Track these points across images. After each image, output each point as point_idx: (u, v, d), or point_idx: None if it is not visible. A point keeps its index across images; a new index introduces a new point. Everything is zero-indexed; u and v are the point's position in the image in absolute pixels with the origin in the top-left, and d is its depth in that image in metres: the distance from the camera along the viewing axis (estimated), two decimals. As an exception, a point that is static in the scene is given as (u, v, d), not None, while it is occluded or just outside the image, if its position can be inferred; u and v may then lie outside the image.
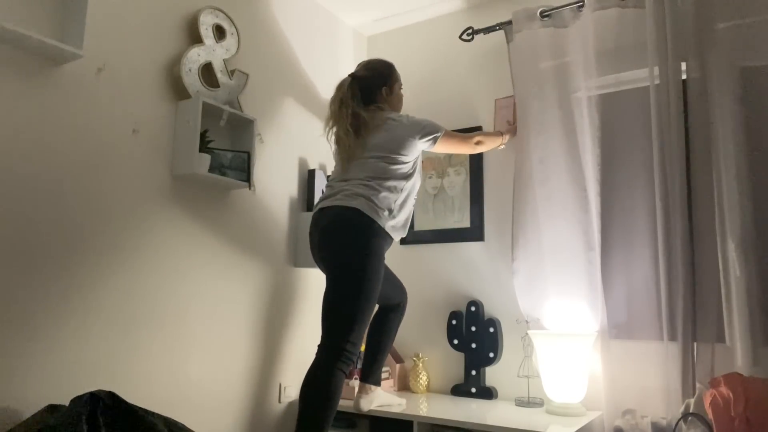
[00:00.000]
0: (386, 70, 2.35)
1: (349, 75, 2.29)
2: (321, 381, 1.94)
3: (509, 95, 2.65)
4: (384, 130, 2.18)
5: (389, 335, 2.39)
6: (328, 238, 2.11)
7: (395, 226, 2.16)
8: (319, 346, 2.02)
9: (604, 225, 2.36)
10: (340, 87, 2.26)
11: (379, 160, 2.15)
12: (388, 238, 2.15)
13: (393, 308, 2.39)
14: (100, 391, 1.54)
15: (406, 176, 2.19)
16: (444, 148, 2.34)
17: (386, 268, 2.36)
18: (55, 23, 1.80)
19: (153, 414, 1.58)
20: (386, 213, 2.10)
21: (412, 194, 2.25)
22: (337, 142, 2.24)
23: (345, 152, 2.21)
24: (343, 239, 2.08)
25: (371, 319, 2.37)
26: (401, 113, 2.31)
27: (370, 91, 2.27)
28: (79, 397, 1.53)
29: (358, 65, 2.36)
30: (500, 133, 2.53)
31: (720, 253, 2.06)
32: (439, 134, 2.26)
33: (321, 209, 2.16)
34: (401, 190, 2.16)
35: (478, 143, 2.44)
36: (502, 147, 2.55)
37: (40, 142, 1.75)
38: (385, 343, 2.38)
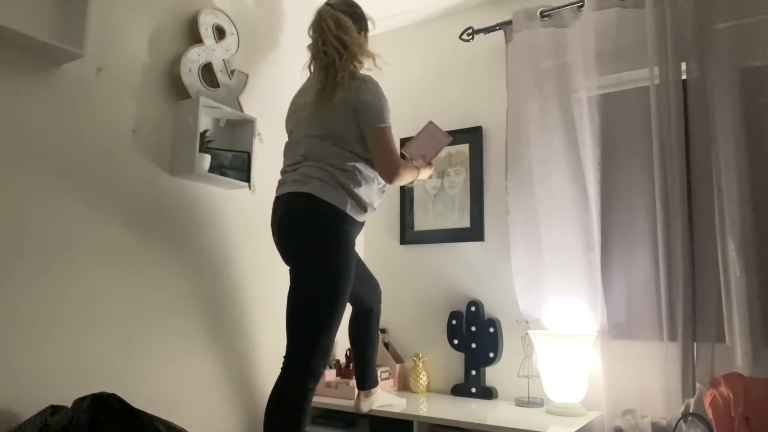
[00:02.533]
0: (360, 12, 2.08)
1: (326, 3, 2.03)
2: (290, 404, 1.76)
3: (446, 131, 2.22)
4: (342, 101, 1.90)
5: (372, 341, 2.23)
6: (284, 232, 1.89)
7: (358, 204, 1.91)
8: (285, 359, 1.82)
9: (604, 225, 2.36)
10: (323, 13, 1.99)
11: (330, 142, 1.90)
12: (354, 223, 1.91)
13: (367, 313, 2.20)
14: (103, 393, 1.54)
15: (366, 159, 1.93)
16: (373, 142, 1.92)
17: (358, 262, 2.10)
18: (56, 23, 1.79)
19: (156, 419, 1.57)
20: (345, 193, 1.86)
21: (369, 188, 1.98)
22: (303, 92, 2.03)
23: (301, 114, 2.00)
24: (299, 232, 1.85)
25: (349, 326, 2.25)
26: (369, 79, 1.97)
27: (349, 31, 1.98)
28: (81, 399, 1.52)
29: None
30: (417, 170, 2.07)
31: (720, 253, 2.06)
32: (380, 124, 1.91)
33: (276, 197, 1.93)
34: (360, 170, 1.92)
35: (400, 174, 1.95)
36: (410, 184, 2.13)
37: (39, 142, 1.75)
38: (371, 351, 2.23)
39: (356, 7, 2.10)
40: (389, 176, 1.93)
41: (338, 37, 1.94)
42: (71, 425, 1.44)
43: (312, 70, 2.07)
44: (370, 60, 2.05)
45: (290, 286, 1.88)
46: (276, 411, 1.79)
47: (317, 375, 1.80)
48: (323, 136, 1.93)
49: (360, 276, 2.07)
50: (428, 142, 2.15)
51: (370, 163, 1.96)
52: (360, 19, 2.07)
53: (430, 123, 2.19)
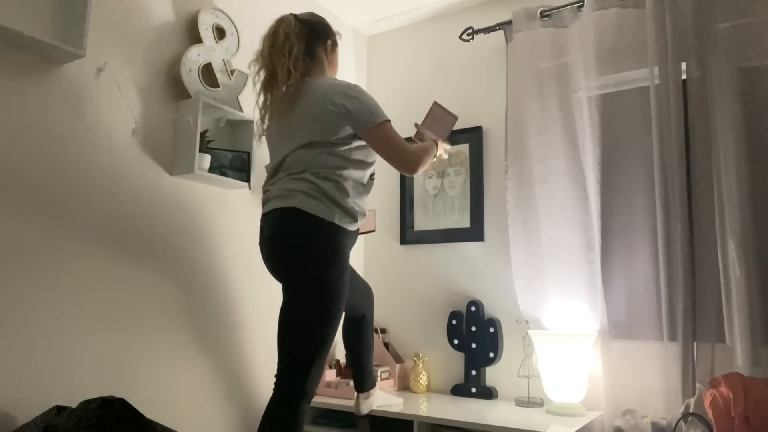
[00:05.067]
0: (327, 23, 1.99)
1: (290, 14, 1.92)
2: (284, 426, 1.71)
3: (452, 112, 2.16)
4: (313, 103, 1.80)
5: (368, 346, 2.20)
6: (273, 251, 1.80)
7: (348, 214, 1.78)
8: (276, 379, 1.76)
9: (604, 225, 2.36)
10: (282, 20, 1.88)
11: (310, 148, 1.78)
12: (346, 233, 1.79)
13: (360, 320, 2.15)
14: (111, 397, 1.53)
15: (352, 162, 1.80)
16: (376, 142, 1.82)
17: (351, 270, 2.01)
18: (56, 23, 1.79)
19: (161, 426, 1.56)
20: (332, 203, 1.75)
21: (365, 176, 1.88)
22: (266, 99, 1.88)
23: (276, 124, 1.87)
24: (288, 250, 1.75)
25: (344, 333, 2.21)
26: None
27: (312, 40, 1.90)
28: (88, 401, 1.52)
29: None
30: (434, 143, 1.98)
31: (720, 253, 2.06)
32: (377, 121, 1.79)
33: (263, 215, 1.85)
34: (347, 177, 1.80)
35: (419, 160, 1.85)
36: (434, 160, 1.99)
37: (40, 142, 1.75)
38: (367, 355, 2.20)
39: (319, 18, 2.02)
40: (411, 169, 1.84)
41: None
42: (78, 427, 1.44)
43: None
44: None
45: (282, 304, 1.78)
46: (270, 428, 1.74)
47: (310, 396, 1.75)
48: (304, 145, 1.80)
49: (353, 284, 1.97)
50: (436, 125, 2.09)
51: (358, 165, 1.84)
52: (324, 27, 2.00)
53: (435, 103, 2.13)
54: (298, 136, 1.81)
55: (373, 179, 1.94)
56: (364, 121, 1.79)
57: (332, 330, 1.76)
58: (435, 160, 1.98)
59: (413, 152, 1.85)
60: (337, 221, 1.75)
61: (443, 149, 2.03)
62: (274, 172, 1.87)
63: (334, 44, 2.00)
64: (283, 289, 1.81)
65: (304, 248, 1.74)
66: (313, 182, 1.75)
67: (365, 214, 1.89)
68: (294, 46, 1.83)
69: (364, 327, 2.18)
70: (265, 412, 1.76)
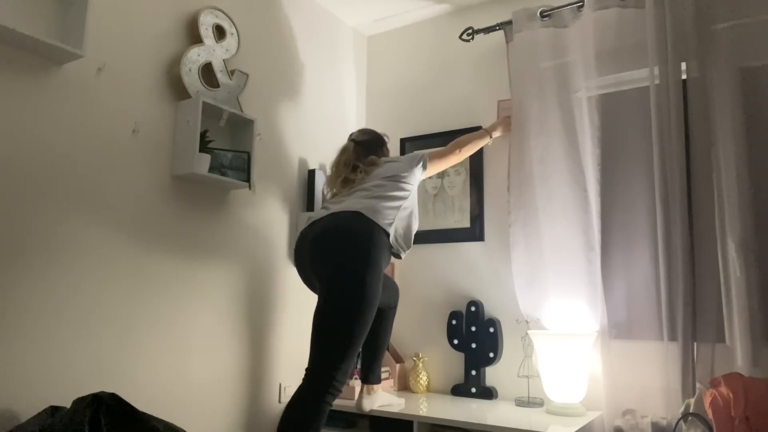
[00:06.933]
0: (381, 138, 2.44)
1: (350, 140, 2.38)
2: (306, 414, 1.83)
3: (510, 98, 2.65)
4: (383, 165, 2.24)
5: (386, 334, 2.34)
6: (323, 248, 1.97)
7: (396, 236, 2.09)
8: (306, 371, 1.90)
9: (604, 225, 2.36)
10: (345, 149, 2.34)
11: (382, 180, 2.14)
12: (387, 251, 2.05)
13: (385, 309, 2.31)
14: (102, 393, 1.53)
15: (405, 198, 2.16)
16: (435, 168, 2.38)
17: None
18: (55, 23, 1.79)
19: (155, 418, 1.57)
20: (387, 222, 2.03)
21: (412, 221, 2.20)
22: (331, 181, 2.33)
23: (339, 182, 2.26)
24: (339, 248, 1.94)
25: None
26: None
27: (370, 148, 2.34)
28: (81, 399, 1.52)
29: (355, 132, 2.44)
30: (486, 132, 2.53)
31: (720, 253, 2.06)
32: (425, 157, 2.29)
33: (312, 223, 2.06)
34: (401, 208, 2.12)
35: (463, 150, 2.44)
36: (489, 143, 2.58)
37: (39, 142, 1.75)
38: (383, 343, 2.33)
39: (375, 134, 2.43)
40: (457, 156, 2.42)
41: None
42: (71, 425, 1.44)
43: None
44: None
45: (319, 303, 1.93)
46: (293, 418, 1.85)
47: (338, 392, 1.86)
48: (381, 179, 2.16)
49: (385, 285, 2.16)
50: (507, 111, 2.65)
51: (407, 215, 2.17)
52: (380, 140, 2.42)
53: (499, 103, 2.76)
54: (378, 176, 2.18)
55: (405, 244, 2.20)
56: (419, 162, 2.28)
57: (365, 327, 1.90)
58: (490, 142, 2.56)
59: (452, 150, 2.43)
60: (387, 231, 2.01)
61: (505, 125, 2.59)
62: (339, 196, 2.18)
63: (387, 153, 2.45)
64: (319, 292, 1.96)
65: (356, 247, 1.91)
66: (377, 201, 2.04)
67: (406, 246, 2.17)
68: (351, 161, 2.34)
69: (387, 317, 2.31)
70: (290, 401, 1.87)
